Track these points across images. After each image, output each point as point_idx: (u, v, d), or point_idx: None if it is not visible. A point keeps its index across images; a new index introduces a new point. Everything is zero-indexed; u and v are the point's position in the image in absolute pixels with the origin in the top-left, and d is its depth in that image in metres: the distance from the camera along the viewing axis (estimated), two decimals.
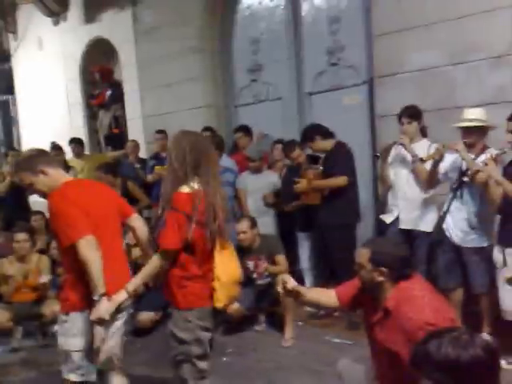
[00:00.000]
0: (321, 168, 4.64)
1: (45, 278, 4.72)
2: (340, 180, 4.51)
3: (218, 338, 3.81)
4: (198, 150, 2.60)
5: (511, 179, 3.41)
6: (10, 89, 10.03)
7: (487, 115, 3.77)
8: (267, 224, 5.09)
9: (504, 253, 3.50)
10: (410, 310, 2.20)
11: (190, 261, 2.60)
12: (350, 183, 4.53)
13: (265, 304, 4.59)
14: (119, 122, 8.06)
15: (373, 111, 5.27)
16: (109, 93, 8.07)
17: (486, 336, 3.18)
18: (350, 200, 4.63)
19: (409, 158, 4.20)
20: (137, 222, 3.02)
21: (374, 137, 5.27)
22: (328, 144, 4.66)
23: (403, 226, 4.25)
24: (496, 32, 4.21)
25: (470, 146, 3.75)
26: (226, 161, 5.52)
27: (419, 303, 2.21)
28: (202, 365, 2.69)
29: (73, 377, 2.79)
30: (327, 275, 4.83)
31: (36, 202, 5.63)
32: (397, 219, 4.30)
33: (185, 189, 2.56)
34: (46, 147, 5.90)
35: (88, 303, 2.65)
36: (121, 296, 2.62)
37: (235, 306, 4.19)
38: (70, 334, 2.75)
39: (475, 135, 3.75)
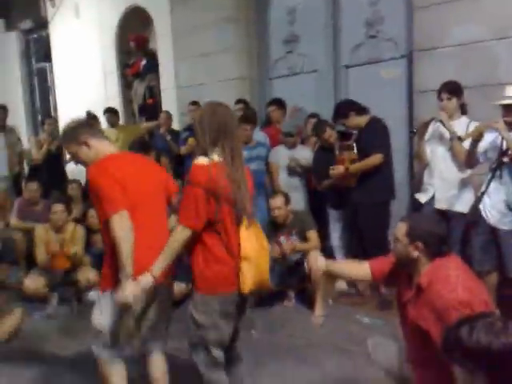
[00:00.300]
0: (354, 145, 4.53)
1: (74, 249, 4.80)
2: (376, 158, 4.41)
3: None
4: (218, 121, 2.43)
5: None
6: (47, 56, 10.07)
7: None
8: (298, 200, 5.03)
9: None
10: (443, 288, 2.17)
11: (214, 241, 2.44)
12: (385, 161, 4.44)
13: (294, 280, 4.59)
14: (153, 92, 8.04)
15: (411, 86, 5.12)
16: (143, 62, 8.05)
17: None
18: (385, 177, 4.53)
19: (447, 135, 4.08)
20: None
21: (412, 112, 5.14)
22: (363, 120, 4.56)
23: (438, 205, 4.16)
24: None
25: (511, 125, 3.61)
26: (259, 135, 5.47)
27: (452, 282, 2.17)
28: (217, 353, 2.55)
29: (104, 354, 2.74)
30: (359, 253, 4.77)
31: (73, 170, 5.73)
32: (432, 198, 4.21)
33: (202, 160, 2.41)
34: (82, 116, 5.95)
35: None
36: (145, 280, 2.44)
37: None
38: (104, 312, 2.68)
39: None
